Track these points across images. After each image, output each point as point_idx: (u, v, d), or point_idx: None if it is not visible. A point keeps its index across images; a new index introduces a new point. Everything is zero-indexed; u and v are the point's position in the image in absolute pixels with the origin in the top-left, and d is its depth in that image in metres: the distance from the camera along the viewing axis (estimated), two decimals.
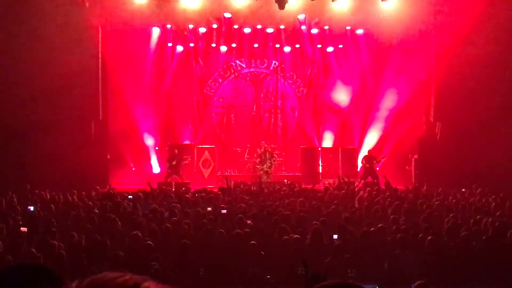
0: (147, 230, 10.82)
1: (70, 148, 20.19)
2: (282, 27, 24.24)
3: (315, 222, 11.53)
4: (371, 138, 24.61)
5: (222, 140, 25.29)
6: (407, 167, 23.64)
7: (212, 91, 25.40)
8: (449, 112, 22.60)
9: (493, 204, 14.74)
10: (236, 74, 25.54)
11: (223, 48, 24.71)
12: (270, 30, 24.34)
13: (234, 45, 24.73)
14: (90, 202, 15.04)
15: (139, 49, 23.89)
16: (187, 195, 16.25)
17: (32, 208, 13.79)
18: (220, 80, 25.45)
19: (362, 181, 21.32)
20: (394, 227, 11.07)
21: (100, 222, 11.95)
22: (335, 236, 10.34)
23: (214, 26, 24.04)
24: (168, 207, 13.82)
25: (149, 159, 24.21)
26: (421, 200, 15.33)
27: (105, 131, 23.06)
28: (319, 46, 24.85)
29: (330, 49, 24.82)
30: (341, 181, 19.64)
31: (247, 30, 24.27)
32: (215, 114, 25.53)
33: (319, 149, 24.65)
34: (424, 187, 18.74)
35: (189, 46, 24.56)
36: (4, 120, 19.75)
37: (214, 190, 17.67)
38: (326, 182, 20.73)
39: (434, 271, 8.78)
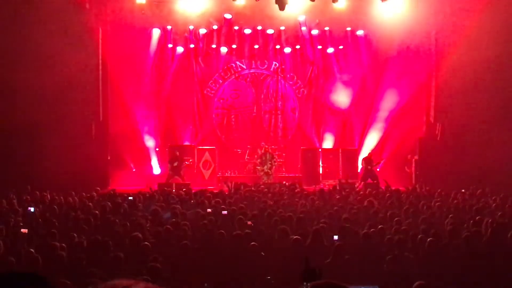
0: (147, 231, 10.83)
1: (71, 149, 20.20)
2: (282, 28, 24.28)
3: (321, 221, 11.55)
4: (372, 139, 24.64)
5: (223, 141, 25.31)
6: (406, 168, 23.65)
7: (212, 92, 25.41)
8: (449, 113, 22.62)
9: (494, 205, 14.74)
10: (237, 75, 25.56)
11: (224, 49, 24.73)
12: (270, 31, 24.38)
13: (234, 46, 24.76)
14: (90, 203, 15.03)
15: (140, 50, 23.92)
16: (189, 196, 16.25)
17: (32, 209, 13.79)
18: (221, 81, 25.47)
19: (362, 182, 21.34)
20: (394, 228, 11.07)
21: (100, 223, 11.95)
22: (336, 237, 10.34)
23: (215, 27, 24.08)
24: (169, 208, 13.83)
25: (149, 160, 24.23)
26: (421, 201, 15.32)
27: (105, 132, 23.10)
28: (319, 47, 24.89)
29: (330, 50, 24.85)
30: (341, 183, 19.68)
31: (247, 31, 24.31)
32: (215, 115, 25.54)
33: (320, 150, 24.67)
34: (425, 188, 18.72)
35: (190, 47, 24.59)
36: (4, 121, 19.75)
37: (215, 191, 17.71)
38: (327, 183, 20.76)
39: (434, 272, 8.79)
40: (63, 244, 9.51)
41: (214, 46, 24.63)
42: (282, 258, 9.63)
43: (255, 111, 25.56)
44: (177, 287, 8.40)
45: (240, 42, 24.73)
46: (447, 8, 21.76)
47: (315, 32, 24.52)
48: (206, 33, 24.30)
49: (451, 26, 21.77)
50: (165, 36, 24.29)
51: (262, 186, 19.56)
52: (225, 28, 24.15)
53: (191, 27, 23.98)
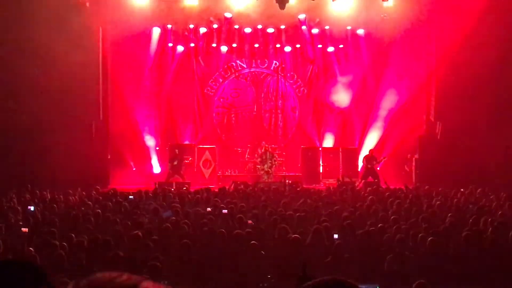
0: (147, 229, 10.83)
1: (71, 148, 20.22)
2: (282, 27, 24.25)
3: (321, 220, 11.56)
4: (372, 138, 24.61)
5: (223, 140, 25.29)
6: (406, 167, 23.65)
7: (212, 91, 25.40)
8: (449, 112, 22.58)
9: (494, 203, 14.74)
10: (237, 74, 25.54)
11: (224, 48, 24.71)
12: (270, 30, 24.35)
13: (234, 45, 24.73)
14: (90, 202, 15.04)
15: (140, 49, 23.90)
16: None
17: (32, 208, 13.79)
18: (221, 80, 25.45)
19: (363, 181, 21.33)
20: (394, 227, 11.07)
21: (101, 222, 11.95)
22: (336, 236, 10.35)
23: (215, 26, 24.06)
24: (169, 207, 13.84)
25: (149, 159, 24.22)
26: (421, 200, 15.32)
27: (105, 131, 23.09)
28: (319, 46, 24.85)
29: (330, 49, 24.82)
30: (341, 181, 19.69)
31: (247, 30, 24.28)
32: (215, 114, 25.53)
33: (320, 149, 24.64)
34: (426, 187, 18.72)
35: (190, 46, 24.57)
36: (5, 121, 19.76)
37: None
38: (327, 182, 20.76)
39: (434, 271, 8.78)
40: (63, 243, 9.52)
41: (214, 45, 24.60)
42: (282, 257, 9.63)
43: (255, 110, 25.54)
44: (178, 286, 8.39)
45: (241, 41, 24.71)
46: (448, 7, 21.74)
47: (315, 31, 24.49)
48: (206, 32, 24.27)
49: (451, 25, 21.73)
50: (165, 35, 24.27)
51: (262, 185, 19.56)
52: (226, 27, 24.12)
53: (192, 26, 23.96)
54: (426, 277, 7.18)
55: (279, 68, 25.41)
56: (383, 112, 24.57)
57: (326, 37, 24.68)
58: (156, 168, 24.14)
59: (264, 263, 9.55)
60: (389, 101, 24.36)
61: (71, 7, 20.49)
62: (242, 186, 18.60)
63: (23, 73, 19.70)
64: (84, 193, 17.08)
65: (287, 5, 19.93)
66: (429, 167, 22.10)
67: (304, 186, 20.14)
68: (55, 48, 19.42)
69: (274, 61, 25.41)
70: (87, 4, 21.55)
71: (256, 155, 23.44)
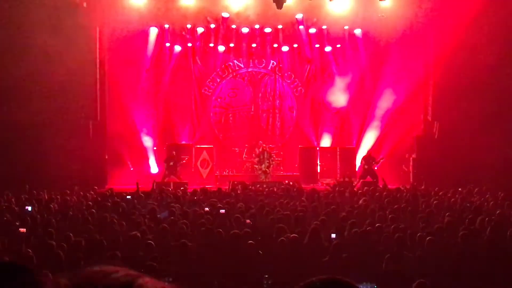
0: (145, 230, 10.82)
1: (68, 149, 20.19)
2: (280, 26, 24.24)
3: (319, 220, 11.56)
4: (369, 138, 24.62)
5: (220, 140, 25.30)
6: (403, 166, 23.67)
7: (210, 91, 25.39)
8: (447, 112, 22.62)
9: (492, 203, 14.75)
10: (234, 74, 25.54)
11: (221, 48, 24.70)
12: (268, 30, 24.35)
13: (232, 45, 24.73)
14: (88, 202, 15.02)
15: (137, 49, 23.87)
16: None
17: (29, 209, 13.76)
18: (218, 80, 25.45)
19: (361, 180, 21.34)
20: (392, 226, 11.07)
21: (98, 223, 11.93)
22: (333, 235, 10.34)
23: (212, 26, 24.05)
24: (167, 207, 13.83)
25: (147, 159, 24.20)
26: (419, 199, 15.33)
27: (103, 132, 23.06)
28: (317, 45, 24.86)
29: (328, 48, 24.83)
30: (339, 181, 19.70)
31: (245, 30, 24.28)
32: (213, 114, 25.53)
33: (317, 148, 24.65)
34: (422, 186, 18.74)
35: (187, 46, 24.57)
36: (1, 121, 19.74)
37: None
38: (325, 183, 20.75)
39: (432, 271, 8.78)
40: (61, 243, 9.50)
41: (211, 44, 24.59)
42: (280, 257, 9.62)
43: (253, 109, 25.55)
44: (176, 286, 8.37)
45: (238, 41, 24.71)
46: (445, 7, 21.74)
47: (312, 30, 24.50)
48: (203, 31, 24.26)
49: (448, 25, 21.75)
50: (163, 35, 24.26)
51: (259, 186, 19.54)
52: (223, 27, 24.11)
53: (189, 26, 23.95)
54: (424, 277, 7.17)
55: (277, 68, 25.42)
56: (380, 112, 24.57)
57: (323, 36, 24.68)
58: (154, 168, 24.13)
59: (262, 263, 9.54)
60: (386, 100, 24.36)
61: (68, 7, 20.46)
62: (239, 186, 18.58)
63: (20, 72, 19.65)
64: (81, 193, 17.05)
65: (284, 4, 19.94)
66: (426, 167, 22.13)
67: (302, 186, 20.12)
68: (52, 48, 19.40)
69: (272, 61, 25.42)
70: (84, 4, 21.52)
71: (253, 155, 23.44)
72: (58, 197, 16.04)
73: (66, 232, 10.50)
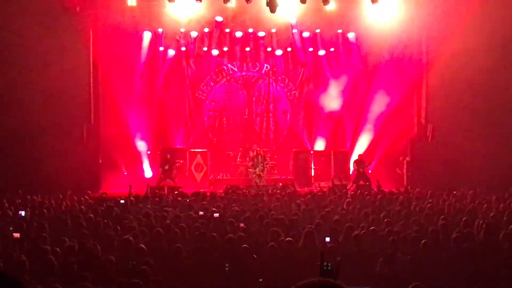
0: (138, 234, 10.80)
1: (62, 153, 20.12)
2: (273, 30, 24.27)
3: (313, 223, 11.57)
4: (363, 141, 24.67)
5: (215, 143, 25.29)
6: (397, 169, 23.72)
7: (204, 94, 25.39)
8: (440, 114, 22.69)
9: (485, 205, 14.77)
10: (228, 78, 25.56)
11: (215, 52, 24.71)
12: (261, 33, 24.38)
13: (225, 48, 24.74)
14: (82, 207, 14.98)
15: (131, 53, 23.84)
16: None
17: (23, 213, 13.71)
18: (212, 84, 25.46)
19: (354, 184, 21.37)
20: (386, 229, 11.09)
21: (92, 227, 11.90)
22: (328, 239, 10.34)
23: (206, 30, 24.02)
24: (161, 211, 13.80)
25: (141, 163, 24.16)
26: (413, 202, 15.35)
27: (97, 135, 23.00)
28: (310, 49, 24.90)
29: (321, 52, 24.87)
30: (333, 184, 19.69)
31: (238, 33, 24.30)
32: (207, 117, 25.53)
33: (311, 152, 24.68)
34: (416, 189, 18.76)
35: (181, 50, 24.55)
36: None
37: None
38: (318, 186, 20.76)
39: (426, 273, 8.80)
40: (55, 248, 9.47)
41: (205, 48, 24.59)
42: (274, 260, 9.62)
43: (246, 113, 25.56)
44: None
45: (232, 45, 24.73)
46: (439, 10, 21.81)
47: (306, 34, 24.54)
48: (197, 36, 24.25)
49: (442, 28, 21.83)
50: (156, 39, 24.24)
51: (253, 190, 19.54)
52: (217, 31, 24.12)
53: (183, 30, 23.93)
54: (418, 279, 7.18)
55: (270, 72, 25.45)
56: (374, 115, 24.64)
57: (317, 40, 24.73)
58: (148, 172, 24.09)
59: (256, 266, 9.53)
60: (380, 104, 24.42)
61: (62, 11, 20.44)
62: (233, 190, 18.56)
63: (14, 76, 19.62)
64: (75, 197, 17.00)
65: (278, 8, 19.95)
66: (420, 170, 22.19)
67: (296, 189, 20.13)
68: (45, 52, 19.38)
69: (265, 65, 25.45)
70: (78, 8, 21.48)
71: (247, 158, 23.44)
72: (52, 201, 15.98)
73: (60, 237, 10.47)
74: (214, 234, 10.54)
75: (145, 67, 24.41)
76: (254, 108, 25.63)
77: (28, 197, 16.60)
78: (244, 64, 25.46)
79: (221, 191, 19.17)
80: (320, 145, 25.27)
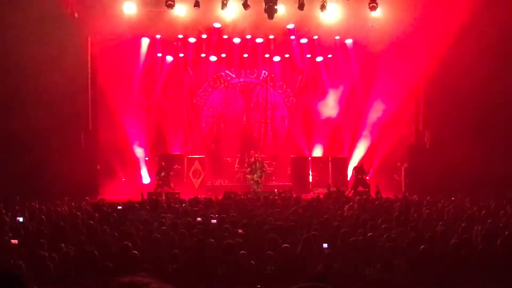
0: (137, 240, 10.77)
1: (60, 159, 20.11)
2: (271, 37, 24.32)
3: (311, 230, 11.56)
4: (361, 147, 24.69)
5: (212, 150, 25.29)
6: (395, 176, 23.72)
7: (202, 101, 25.43)
8: (438, 121, 22.71)
9: (483, 212, 14.77)
10: (226, 84, 25.60)
11: (213, 58, 24.76)
12: (259, 40, 24.42)
13: (223, 55, 24.79)
14: (79, 213, 14.94)
15: (129, 59, 23.87)
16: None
17: (21, 219, 13.68)
18: (210, 90, 25.47)
19: (352, 190, 21.37)
20: (384, 235, 11.08)
21: (89, 233, 11.88)
22: (325, 245, 10.33)
23: (204, 36, 24.07)
24: (158, 217, 13.77)
25: (139, 169, 24.15)
26: (411, 209, 15.34)
27: (95, 142, 23.00)
28: (308, 56, 24.95)
29: (319, 58, 24.92)
30: (330, 190, 19.69)
31: (236, 40, 24.34)
32: (205, 124, 25.55)
33: (309, 158, 24.68)
34: (414, 196, 18.77)
35: (179, 56, 24.60)
36: None
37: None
38: (316, 192, 20.77)
39: (424, 280, 8.79)
40: (52, 254, 9.45)
41: (203, 55, 24.64)
42: (272, 267, 9.60)
43: (244, 119, 25.59)
44: None
45: (230, 51, 24.78)
46: (436, 17, 21.86)
47: (304, 40, 24.60)
48: (195, 42, 24.31)
49: (439, 35, 21.86)
50: (154, 45, 24.29)
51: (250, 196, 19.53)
52: (214, 37, 24.17)
53: (180, 36, 23.98)
54: (416, 286, 7.18)
55: (268, 78, 25.50)
56: (372, 121, 24.65)
57: (314, 46, 24.79)
58: (146, 179, 24.08)
59: (254, 273, 9.52)
60: (377, 110, 24.45)
61: (60, 17, 20.45)
62: (231, 196, 18.55)
63: (10, 83, 19.62)
64: (73, 203, 16.98)
65: (275, 15, 20.00)
66: (418, 176, 22.20)
67: (293, 195, 20.11)
68: (43, 58, 19.37)
69: (263, 71, 25.50)
70: (76, 15, 21.50)
71: (245, 164, 23.45)
72: (50, 207, 15.95)
73: (58, 243, 10.45)
74: (212, 240, 10.52)
75: (143, 73, 24.45)
76: (252, 114, 25.67)
77: (26, 203, 16.57)
78: (242, 70, 25.51)
79: (219, 197, 19.13)
80: (318, 151, 25.29)
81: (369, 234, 11.15)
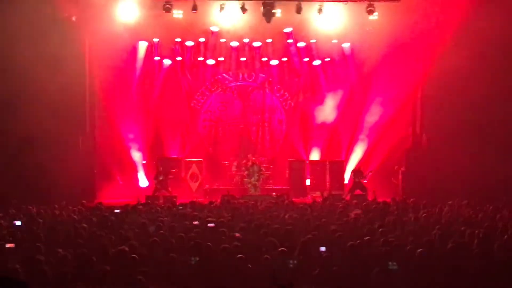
0: (134, 244, 10.76)
1: (57, 162, 20.10)
2: (269, 40, 24.32)
3: (309, 233, 11.56)
4: (359, 151, 24.67)
5: (210, 153, 25.27)
6: (392, 179, 23.71)
7: (199, 104, 25.41)
8: (435, 124, 22.73)
9: (480, 215, 14.78)
10: (224, 88, 25.58)
11: (211, 62, 24.75)
12: (257, 43, 24.41)
13: (221, 58, 24.77)
14: (76, 217, 14.93)
15: (126, 63, 23.86)
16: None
17: (18, 223, 13.65)
18: (208, 94, 25.47)
19: (350, 194, 21.38)
20: (381, 239, 11.07)
21: (87, 237, 11.86)
22: (323, 249, 10.33)
23: (201, 39, 24.08)
24: (156, 220, 13.76)
25: (136, 173, 24.12)
26: (408, 212, 15.34)
27: (92, 145, 22.99)
28: (306, 59, 24.95)
29: (317, 62, 24.91)
30: (323, 196, 19.77)
31: (234, 43, 24.34)
32: (202, 127, 25.53)
33: (307, 162, 24.67)
34: (411, 199, 18.76)
35: (176, 59, 24.59)
36: None
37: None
38: (313, 196, 20.77)
39: (421, 284, 8.79)
40: (49, 258, 9.43)
41: (201, 58, 24.64)
42: (270, 270, 9.59)
43: (242, 123, 25.57)
44: None
45: (227, 55, 24.77)
46: (433, 20, 21.91)
47: (301, 44, 24.60)
48: (193, 45, 24.32)
49: (437, 38, 21.90)
50: (152, 48, 24.28)
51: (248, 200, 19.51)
52: (212, 41, 24.18)
53: (178, 40, 24.00)
54: None
55: (266, 82, 25.49)
56: (369, 125, 24.64)
57: (312, 50, 24.79)
58: (143, 182, 24.05)
59: (251, 276, 9.51)
60: (375, 113, 24.43)
61: (57, 21, 20.46)
62: (228, 199, 18.55)
63: (8, 87, 19.59)
64: (70, 207, 16.95)
65: (273, 18, 20.05)
66: (415, 180, 22.19)
67: (291, 199, 20.10)
68: (41, 62, 19.37)
69: (261, 75, 25.48)
70: (74, 18, 21.52)
71: (243, 168, 23.44)
72: (47, 211, 15.92)
73: (55, 247, 10.43)
74: (209, 243, 10.51)
75: (141, 77, 24.44)
76: (249, 118, 25.64)
77: (23, 206, 16.54)
78: (240, 73, 25.50)
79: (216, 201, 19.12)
80: (315, 155, 25.27)
81: (366, 238, 11.15)
